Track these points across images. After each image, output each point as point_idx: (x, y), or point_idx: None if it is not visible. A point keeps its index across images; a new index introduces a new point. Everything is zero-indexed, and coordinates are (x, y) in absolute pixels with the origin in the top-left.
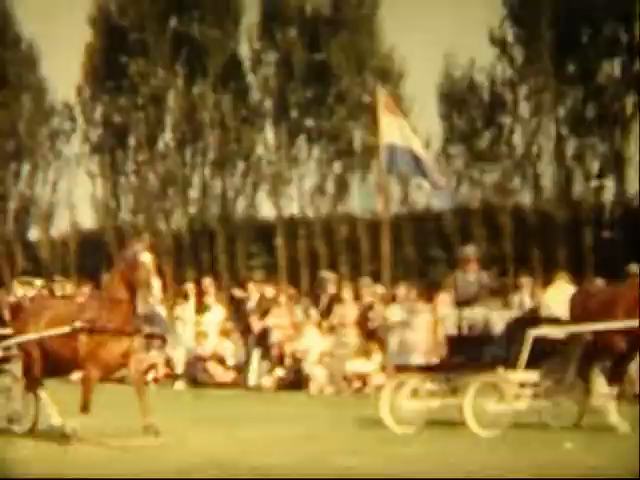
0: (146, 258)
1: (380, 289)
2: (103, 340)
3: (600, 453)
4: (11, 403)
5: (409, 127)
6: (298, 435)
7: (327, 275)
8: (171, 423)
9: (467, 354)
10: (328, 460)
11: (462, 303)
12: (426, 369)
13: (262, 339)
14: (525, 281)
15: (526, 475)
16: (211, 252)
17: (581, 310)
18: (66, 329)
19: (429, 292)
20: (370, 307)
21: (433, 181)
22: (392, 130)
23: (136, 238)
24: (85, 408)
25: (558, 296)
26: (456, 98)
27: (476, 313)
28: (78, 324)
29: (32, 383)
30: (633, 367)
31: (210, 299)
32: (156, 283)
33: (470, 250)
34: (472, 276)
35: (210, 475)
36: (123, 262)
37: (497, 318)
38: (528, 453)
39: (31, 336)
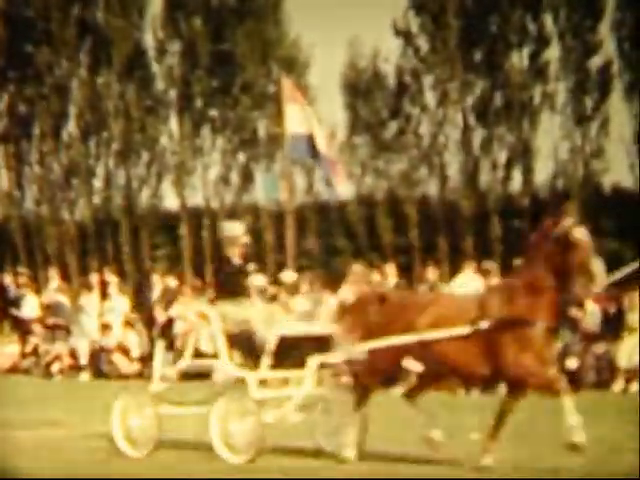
0: (582, 235)
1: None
2: (531, 340)
3: None
4: (331, 419)
5: (313, 115)
6: (200, 426)
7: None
8: (77, 414)
9: None
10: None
11: None
12: None
13: (167, 330)
14: (431, 272)
15: None
16: (115, 242)
17: None
18: (465, 330)
19: (333, 282)
20: (274, 298)
21: (327, 175)
22: (296, 119)
23: (564, 210)
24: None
25: (465, 286)
26: (361, 88)
27: None
28: (484, 323)
29: (363, 397)
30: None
31: (113, 290)
32: (597, 265)
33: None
34: None
35: (117, 467)
36: (549, 241)
37: None
38: None
39: (408, 338)
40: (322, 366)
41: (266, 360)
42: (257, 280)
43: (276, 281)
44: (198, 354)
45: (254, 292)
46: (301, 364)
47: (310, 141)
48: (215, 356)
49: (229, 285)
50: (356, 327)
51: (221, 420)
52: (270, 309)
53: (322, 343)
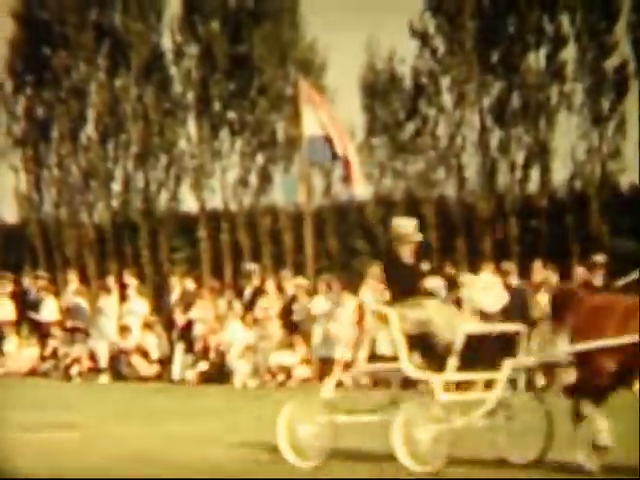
0: None
1: (304, 281)
2: None
3: None
4: (514, 426)
5: (330, 117)
6: (219, 429)
7: (251, 267)
8: (93, 417)
9: None
10: (248, 454)
11: None
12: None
13: (185, 332)
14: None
15: None
16: (134, 245)
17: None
18: None
19: (353, 284)
20: (294, 299)
21: (345, 175)
22: (313, 121)
23: None
24: None
25: (483, 287)
26: (378, 89)
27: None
28: None
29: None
30: None
31: (132, 292)
32: None
33: None
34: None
35: (133, 470)
36: None
37: None
38: None
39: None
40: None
41: (453, 362)
42: (432, 282)
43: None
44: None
45: (429, 292)
46: (488, 365)
47: (327, 143)
48: (391, 359)
49: (402, 285)
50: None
51: (405, 427)
52: (449, 309)
53: (507, 343)
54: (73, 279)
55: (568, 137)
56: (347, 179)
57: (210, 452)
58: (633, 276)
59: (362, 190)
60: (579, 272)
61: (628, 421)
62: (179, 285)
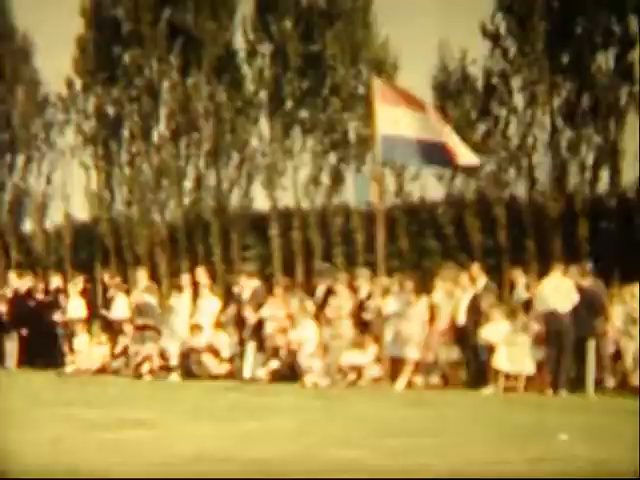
0: None
1: (376, 280)
2: None
3: None
4: None
5: (409, 115)
6: (293, 428)
7: (324, 266)
8: (165, 415)
9: None
10: (323, 453)
11: None
12: None
13: (257, 331)
14: (518, 273)
15: None
16: (205, 244)
17: None
18: None
19: (424, 283)
20: (367, 298)
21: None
22: (388, 121)
23: None
24: None
25: (553, 288)
26: (450, 90)
27: None
28: None
29: None
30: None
31: (204, 290)
32: None
33: None
34: None
35: (207, 468)
36: None
37: None
38: None
39: None
40: None
41: None
42: None
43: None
44: None
45: None
46: None
47: (407, 141)
48: None
49: None
50: None
51: None
52: None
53: None
54: (143, 277)
55: (637, 138)
56: (452, 159)
57: (281, 451)
58: None
59: (471, 159)
60: None
61: (628, 421)
62: (251, 283)
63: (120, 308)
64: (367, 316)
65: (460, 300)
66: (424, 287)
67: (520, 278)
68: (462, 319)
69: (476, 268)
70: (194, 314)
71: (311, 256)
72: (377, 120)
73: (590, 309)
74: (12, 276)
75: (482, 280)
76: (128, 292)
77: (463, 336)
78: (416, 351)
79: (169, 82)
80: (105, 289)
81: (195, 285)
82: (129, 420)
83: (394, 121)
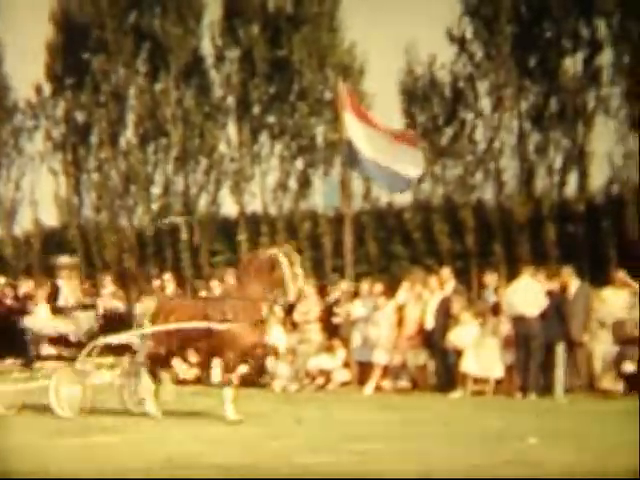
0: None
1: (345, 285)
2: None
3: None
4: None
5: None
6: (261, 433)
7: None
8: (132, 420)
9: None
10: (291, 458)
11: None
12: None
13: None
14: (490, 278)
15: None
16: (174, 249)
17: None
18: None
19: (392, 288)
20: (336, 303)
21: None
22: (352, 130)
23: None
24: None
25: (522, 292)
26: (418, 94)
27: None
28: None
29: None
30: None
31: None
32: None
33: None
34: None
35: (173, 473)
36: None
37: None
38: None
39: None
40: None
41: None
42: None
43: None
44: None
45: None
46: None
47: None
48: None
49: None
50: None
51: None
52: None
53: None
54: (109, 282)
55: (605, 141)
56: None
57: (253, 455)
58: None
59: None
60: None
61: (597, 425)
62: (219, 288)
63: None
64: (336, 320)
65: (428, 304)
66: (392, 292)
67: (492, 281)
68: (430, 323)
69: (446, 272)
70: None
71: None
72: (343, 125)
73: (558, 312)
74: None
75: (451, 283)
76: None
77: (431, 340)
78: (384, 355)
79: (136, 88)
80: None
81: (163, 290)
82: (96, 426)
83: (356, 134)
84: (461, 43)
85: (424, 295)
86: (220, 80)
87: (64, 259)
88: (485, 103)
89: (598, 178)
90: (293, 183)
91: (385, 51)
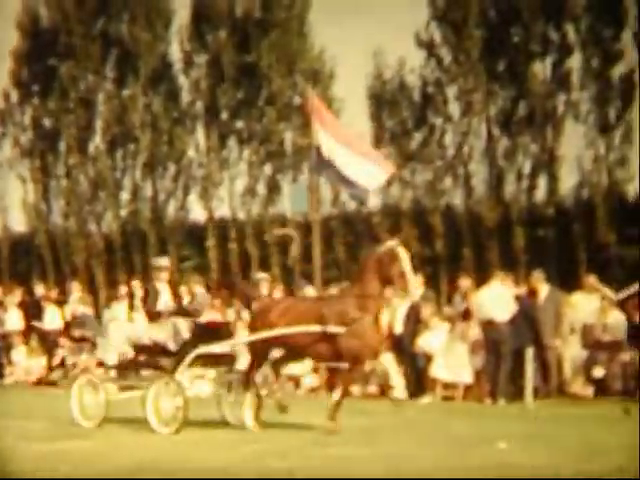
0: None
1: (312, 290)
2: None
3: None
4: None
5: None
6: (230, 438)
7: (261, 276)
8: (103, 426)
9: None
10: (259, 463)
11: None
12: None
13: None
14: (464, 282)
15: None
16: (143, 255)
17: None
18: None
19: None
20: None
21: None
22: (320, 137)
23: None
24: None
25: (491, 297)
26: (386, 99)
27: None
28: None
29: None
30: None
31: (141, 302)
32: None
33: None
34: None
35: (144, 477)
36: None
37: None
38: None
39: None
40: None
41: None
42: None
43: None
44: None
45: None
46: None
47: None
48: None
49: None
50: None
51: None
52: None
53: None
54: (76, 288)
55: (575, 146)
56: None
57: (222, 460)
58: (633, 289)
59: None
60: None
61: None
62: (188, 294)
63: (51, 319)
64: None
65: (397, 309)
66: None
67: (466, 285)
68: (399, 328)
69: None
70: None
71: (248, 266)
72: (313, 131)
73: (527, 317)
74: None
75: (420, 289)
76: (64, 303)
77: (400, 345)
78: None
79: (105, 93)
80: (37, 301)
81: (131, 296)
82: (67, 431)
83: (323, 141)
84: (429, 48)
85: (393, 301)
86: (188, 85)
87: (162, 260)
88: (454, 108)
89: (567, 182)
90: (262, 188)
91: (354, 56)
